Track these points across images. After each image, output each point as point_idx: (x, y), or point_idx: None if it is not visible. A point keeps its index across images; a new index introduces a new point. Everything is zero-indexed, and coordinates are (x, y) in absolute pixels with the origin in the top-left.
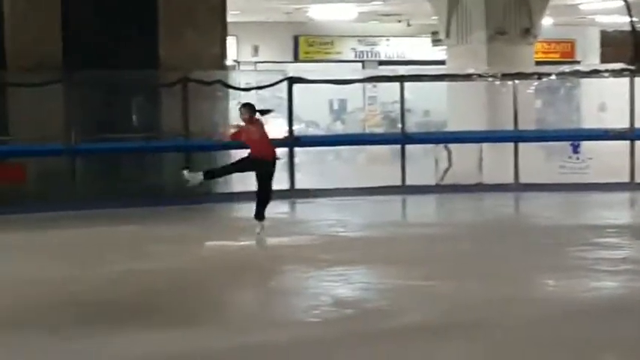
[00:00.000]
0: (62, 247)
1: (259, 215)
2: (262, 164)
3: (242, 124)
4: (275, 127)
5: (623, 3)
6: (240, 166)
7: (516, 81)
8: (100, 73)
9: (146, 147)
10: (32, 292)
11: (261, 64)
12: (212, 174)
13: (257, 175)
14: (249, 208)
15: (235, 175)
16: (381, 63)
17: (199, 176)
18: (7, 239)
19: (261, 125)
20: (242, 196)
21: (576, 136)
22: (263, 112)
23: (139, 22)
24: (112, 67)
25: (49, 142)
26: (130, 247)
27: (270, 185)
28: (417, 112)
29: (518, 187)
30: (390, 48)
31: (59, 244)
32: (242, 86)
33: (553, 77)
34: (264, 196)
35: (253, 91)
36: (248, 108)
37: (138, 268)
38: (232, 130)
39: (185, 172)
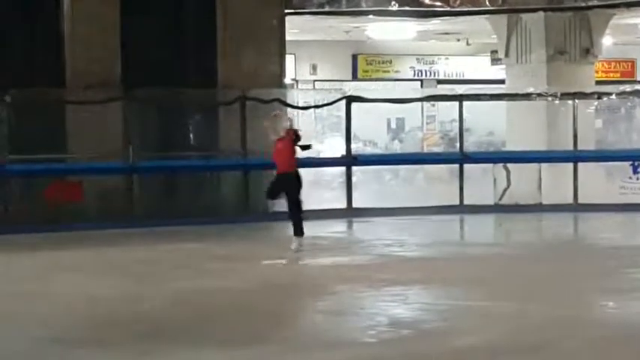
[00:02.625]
0: (121, 264)
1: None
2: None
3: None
4: (333, 146)
5: None
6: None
7: (576, 100)
8: (158, 92)
9: (204, 165)
10: (92, 310)
11: (319, 83)
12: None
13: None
14: (307, 227)
15: None
16: (440, 82)
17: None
18: (68, 257)
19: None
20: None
21: (637, 156)
22: (303, 148)
23: (198, 40)
24: (171, 85)
25: (108, 160)
26: (189, 265)
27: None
28: (477, 132)
29: (578, 208)
30: (448, 67)
31: (118, 262)
32: (300, 105)
33: (613, 97)
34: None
35: (311, 110)
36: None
37: (197, 287)
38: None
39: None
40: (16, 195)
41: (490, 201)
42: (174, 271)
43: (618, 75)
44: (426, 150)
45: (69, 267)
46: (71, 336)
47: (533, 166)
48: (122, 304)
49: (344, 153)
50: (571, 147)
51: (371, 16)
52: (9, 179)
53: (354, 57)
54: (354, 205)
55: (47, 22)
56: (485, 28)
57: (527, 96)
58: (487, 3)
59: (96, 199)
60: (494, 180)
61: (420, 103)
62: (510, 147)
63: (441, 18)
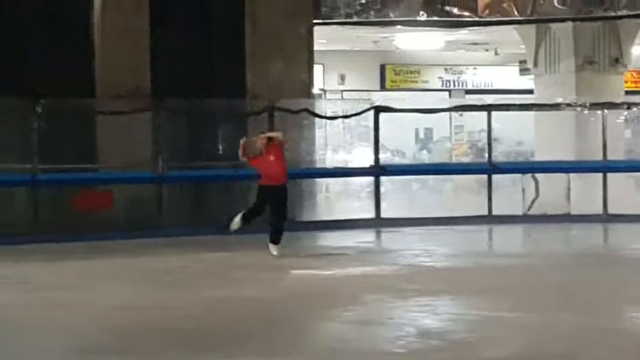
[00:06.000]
0: (150, 273)
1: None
2: (271, 189)
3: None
4: (361, 156)
5: None
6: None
7: (605, 110)
8: (187, 102)
9: (233, 175)
10: (122, 319)
11: (347, 93)
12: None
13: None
14: (335, 237)
15: (322, 204)
16: (468, 92)
17: (237, 223)
18: (97, 266)
19: (278, 149)
20: (328, 225)
21: None
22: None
23: (226, 51)
24: (200, 95)
25: (137, 170)
26: (217, 274)
27: (281, 209)
28: (506, 142)
29: (607, 218)
30: (477, 77)
31: (147, 271)
32: (328, 115)
33: None
34: (277, 220)
35: (339, 120)
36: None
37: (226, 296)
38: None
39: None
40: (47, 204)
41: (519, 211)
42: (203, 280)
43: None
44: (454, 160)
45: (99, 276)
46: (101, 345)
47: (562, 177)
48: (152, 313)
49: (372, 163)
50: (600, 157)
51: (399, 27)
52: (39, 189)
53: (382, 67)
54: (383, 215)
55: (77, 32)
56: (513, 38)
57: (555, 106)
58: (516, 13)
59: (125, 209)
60: (523, 190)
61: (448, 113)
62: (539, 157)
63: (470, 28)
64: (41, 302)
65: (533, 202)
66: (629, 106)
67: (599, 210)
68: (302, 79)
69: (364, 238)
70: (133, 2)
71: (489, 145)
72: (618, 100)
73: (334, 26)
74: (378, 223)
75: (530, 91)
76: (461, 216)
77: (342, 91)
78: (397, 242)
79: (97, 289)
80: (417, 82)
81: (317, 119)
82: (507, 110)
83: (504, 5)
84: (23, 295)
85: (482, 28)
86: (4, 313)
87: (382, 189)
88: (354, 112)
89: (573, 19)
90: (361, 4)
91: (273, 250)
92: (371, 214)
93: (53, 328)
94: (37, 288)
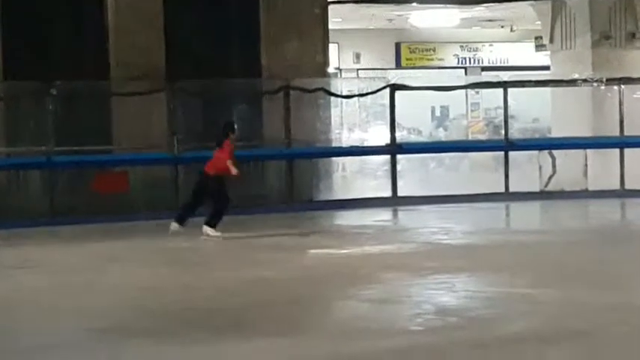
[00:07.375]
0: (168, 255)
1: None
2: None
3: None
4: (377, 135)
5: None
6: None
7: (622, 86)
8: (202, 82)
9: (248, 155)
10: (142, 300)
11: (362, 71)
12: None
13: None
14: (352, 216)
15: (338, 183)
16: (484, 69)
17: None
18: (115, 248)
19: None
20: (344, 204)
21: None
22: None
23: (241, 30)
24: (215, 75)
25: (152, 151)
26: (235, 255)
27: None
28: (522, 119)
29: (624, 194)
30: (492, 54)
31: (165, 253)
32: (344, 93)
33: None
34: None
35: (355, 98)
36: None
37: (244, 276)
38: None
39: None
40: (63, 187)
41: (536, 188)
42: (221, 261)
43: None
44: (470, 137)
45: (117, 258)
46: (122, 326)
47: (579, 153)
48: (171, 294)
49: (388, 141)
50: (617, 133)
51: (414, 4)
52: (55, 171)
53: (398, 45)
54: (399, 193)
55: (91, 14)
56: (529, 14)
57: (572, 82)
58: None
59: (141, 190)
60: (540, 167)
61: (464, 91)
62: (556, 133)
63: (485, 4)
64: (63, 284)
65: (550, 178)
66: None
67: (617, 186)
68: (317, 58)
69: (381, 216)
70: None
71: (506, 122)
72: (635, 75)
73: (349, 5)
74: (394, 201)
75: (547, 68)
76: (478, 193)
77: (358, 69)
78: (414, 220)
79: (116, 271)
80: (432, 59)
81: (333, 98)
82: (523, 87)
83: None
84: (45, 278)
85: (497, 4)
86: (27, 295)
87: (398, 167)
88: (369, 91)
89: None
90: None
91: (212, 232)
92: (388, 193)
93: (75, 309)
94: (58, 270)
